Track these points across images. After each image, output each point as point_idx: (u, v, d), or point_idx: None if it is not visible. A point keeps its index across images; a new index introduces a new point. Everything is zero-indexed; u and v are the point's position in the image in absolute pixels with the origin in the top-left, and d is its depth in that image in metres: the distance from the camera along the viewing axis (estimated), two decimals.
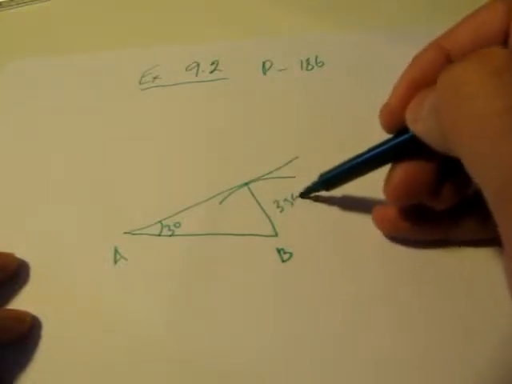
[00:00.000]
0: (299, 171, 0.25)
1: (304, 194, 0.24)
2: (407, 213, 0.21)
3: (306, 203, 0.24)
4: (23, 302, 0.24)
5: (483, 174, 0.13)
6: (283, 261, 0.23)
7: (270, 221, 0.24)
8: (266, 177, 0.26)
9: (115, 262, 0.24)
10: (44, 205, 0.27)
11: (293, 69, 0.30)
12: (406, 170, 0.19)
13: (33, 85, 0.34)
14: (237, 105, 0.29)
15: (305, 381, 0.20)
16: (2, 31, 0.39)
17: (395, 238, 0.22)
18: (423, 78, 0.18)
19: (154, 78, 0.32)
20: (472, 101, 0.13)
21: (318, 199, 0.24)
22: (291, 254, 0.23)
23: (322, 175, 0.23)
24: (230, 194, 0.25)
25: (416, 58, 0.19)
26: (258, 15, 0.34)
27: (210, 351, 0.21)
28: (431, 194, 0.19)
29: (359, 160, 0.21)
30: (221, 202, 0.25)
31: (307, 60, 0.30)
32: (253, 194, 0.25)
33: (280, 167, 0.26)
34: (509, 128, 0.12)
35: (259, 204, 0.25)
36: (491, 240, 0.21)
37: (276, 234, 0.24)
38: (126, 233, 0.25)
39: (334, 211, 0.24)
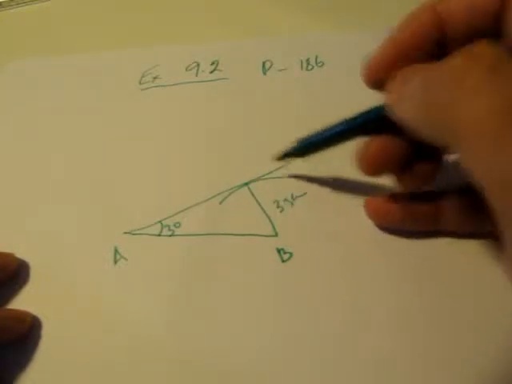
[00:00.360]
0: (299, 171, 0.25)
1: (280, 158, 0.24)
2: (398, 202, 0.21)
3: (306, 203, 0.24)
4: (23, 302, 0.24)
5: (481, 173, 0.13)
6: (283, 261, 0.23)
7: (270, 221, 0.24)
8: (265, 177, 0.26)
9: (115, 261, 0.24)
10: (44, 205, 0.27)
11: (293, 69, 0.30)
12: (378, 142, 0.20)
13: (33, 85, 0.34)
14: (237, 105, 0.29)
15: (305, 381, 0.20)
16: (2, 31, 0.39)
17: (395, 237, 0.22)
18: (412, 40, 0.18)
19: (154, 77, 0.32)
20: (472, 98, 0.13)
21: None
22: (291, 254, 0.23)
23: (298, 141, 0.23)
24: (230, 194, 0.25)
25: (409, 18, 0.18)
26: (258, 15, 0.34)
27: (210, 351, 0.21)
28: (403, 169, 0.20)
29: (335, 130, 0.21)
30: (221, 202, 0.25)
31: (307, 60, 0.30)
32: (253, 194, 0.25)
33: (280, 167, 0.26)
34: (508, 126, 0.12)
35: (259, 204, 0.25)
36: (492, 235, 0.21)
37: (276, 234, 0.24)
38: (125, 233, 0.25)
39: (334, 211, 0.24)
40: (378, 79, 0.19)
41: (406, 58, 0.18)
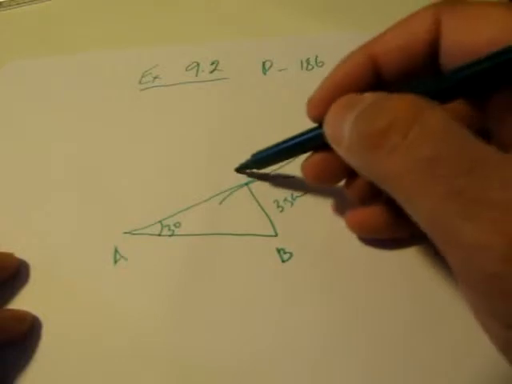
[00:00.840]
0: (299, 171, 0.25)
1: (238, 170, 0.26)
2: (376, 214, 0.21)
3: (306, 203, 0.24)
4: (23, 302, 0.24)
5: (415, 216, 0.15)
6: (283, 261, 0.23)
7: (270, 221, 0.24)
8: (266, 177, 0.26)
9: (115, 261, 0.24)
10: (44, 205, 0.27)
11: (293, 69, 0.30)
12: (316, 157, 0.21)
13: (33, 85, 0.34)
14: (237, 105, 0.29)
15: (305, 381, 0.20)
16: (2, 31, 0.39)
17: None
18: (347, 81, 0.19)
19: (154, 77, 0.32)
20: (390, 159, 0.15)
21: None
22: (291, 253, 0.23)
23: (253, 155, 0.24)
24: (230, 194, 0.25)
25: (344, 60, 0.20)
26: (258, 15, 0.34)
27: (210, 351, 0.21)
28: (348, 181, 0.22)
29: (286, 145, 0.22)
30: (221, 202, 0.25)
31: (307, 60, 0.30)
32: (253, 194, 0.25)
33: (280, 167, 0.26)
34: (431, 175, 0.13)
35: (259, 204, 0.25)
36: None
37: (276, 234, 0.24)
38: (125, 233, 0.25)
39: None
40: (320, 115, 0.20)
41: (343, 95, 0.18)
